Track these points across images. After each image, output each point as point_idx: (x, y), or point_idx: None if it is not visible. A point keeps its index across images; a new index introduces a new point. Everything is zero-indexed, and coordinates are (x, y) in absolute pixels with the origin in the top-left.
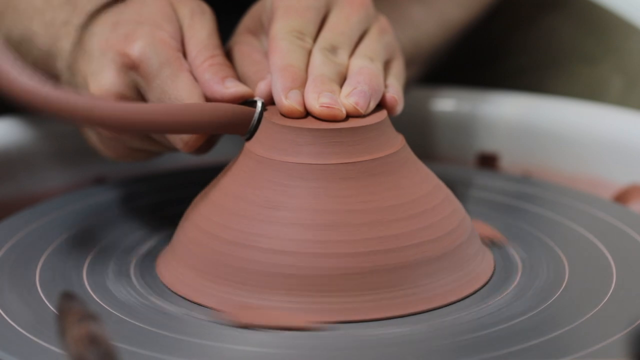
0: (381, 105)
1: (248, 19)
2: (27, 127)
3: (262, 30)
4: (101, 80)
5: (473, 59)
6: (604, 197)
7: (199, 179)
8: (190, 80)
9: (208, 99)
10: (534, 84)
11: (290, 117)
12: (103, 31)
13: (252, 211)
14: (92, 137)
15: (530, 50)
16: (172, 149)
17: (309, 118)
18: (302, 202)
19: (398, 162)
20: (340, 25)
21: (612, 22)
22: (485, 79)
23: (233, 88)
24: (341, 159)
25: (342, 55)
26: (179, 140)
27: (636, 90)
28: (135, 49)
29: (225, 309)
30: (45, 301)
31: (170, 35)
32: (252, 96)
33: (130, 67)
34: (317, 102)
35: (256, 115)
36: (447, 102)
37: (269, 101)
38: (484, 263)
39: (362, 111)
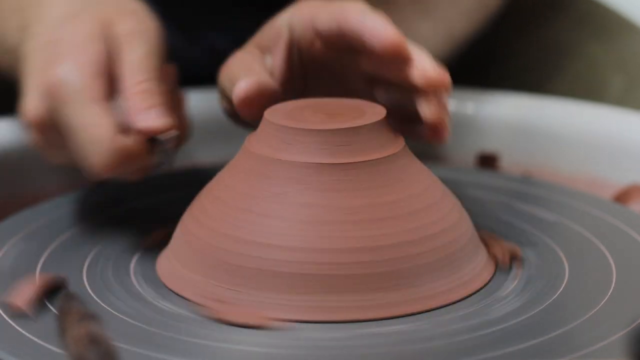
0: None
1: (259, 36)
2: None
3: (268, 51)
4: (27, 105)
5: (474, 59)
6: (604, 197)
7: (198, 179)
8: (101, 112)
9: (129, 128)
10: (534, 84)
11: None
12: (35, 49)
13: (252, 211)
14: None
15: (530, 50)
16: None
17: (309, 118)
18: (300, 202)
19: (398, 163)
20: None
21: (613, 22)
22: (485, 79)
23: (147, 122)
24: (341, 158)
25: None
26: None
27: (636, 90)
28: (54, 74)
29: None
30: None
31: (95, 59)
32: (169, 130)
33: (49, 92)
34: None
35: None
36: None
37: (246, 99)
38: (484, 263)
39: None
